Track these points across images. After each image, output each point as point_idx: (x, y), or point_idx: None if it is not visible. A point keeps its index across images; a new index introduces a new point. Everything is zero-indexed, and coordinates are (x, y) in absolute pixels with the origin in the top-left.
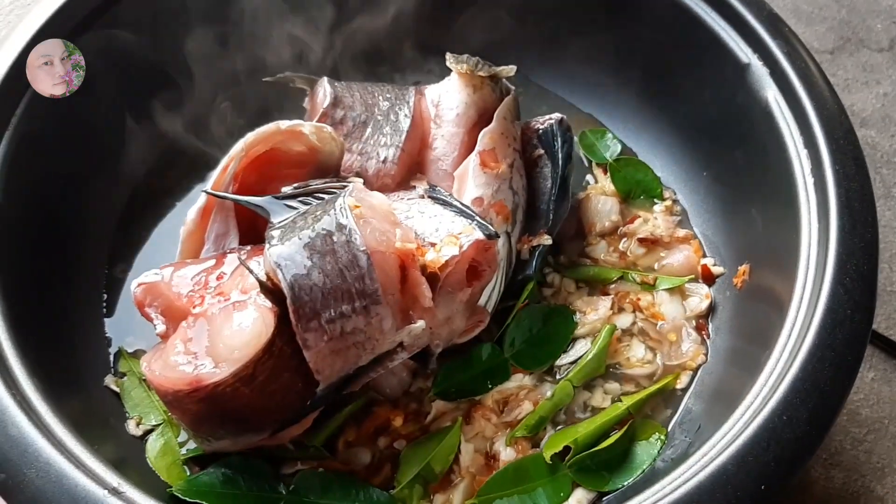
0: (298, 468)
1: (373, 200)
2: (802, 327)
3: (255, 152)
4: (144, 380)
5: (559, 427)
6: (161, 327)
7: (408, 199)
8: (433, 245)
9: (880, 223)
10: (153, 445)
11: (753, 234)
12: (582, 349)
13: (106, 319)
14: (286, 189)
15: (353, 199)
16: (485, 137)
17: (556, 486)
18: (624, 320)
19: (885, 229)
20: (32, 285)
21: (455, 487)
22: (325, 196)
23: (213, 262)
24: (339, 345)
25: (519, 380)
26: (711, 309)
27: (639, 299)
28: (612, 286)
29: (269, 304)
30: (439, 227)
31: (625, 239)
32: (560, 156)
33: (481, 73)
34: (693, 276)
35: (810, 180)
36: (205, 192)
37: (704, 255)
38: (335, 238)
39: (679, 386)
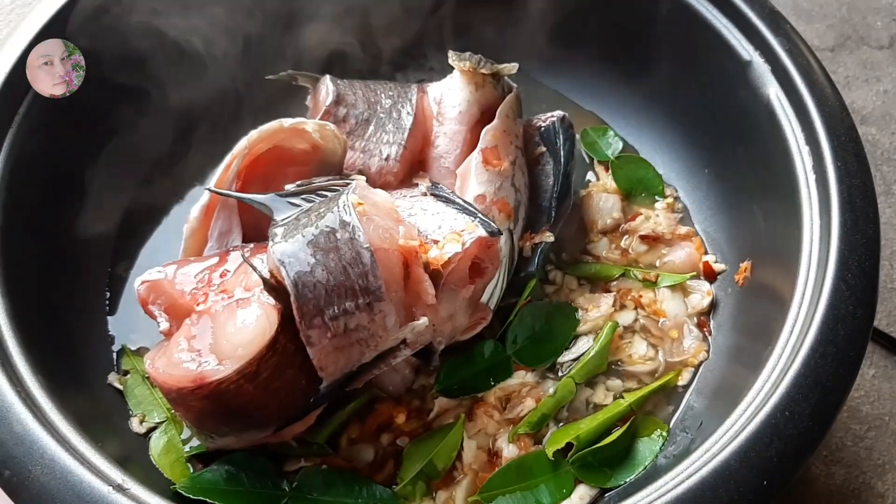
0: (301, 465)
1: (376, 198)
2: (804, 324)
3: (259, 150)
4: (148, 377)
5: (561, 424)
6: (164, 325)
7: (410, 197)
8: (436, 242)
9: (881, 220)
10: (157, 443)
11: (755, 231)
12: (584, 346)
13: (109, 317)
14: (289, 187)
15: (357, 197)
16: (487, 135)
17: (558, 483)
18: (626, 317)
19: (886, 226)
20: (36, 283)
21: (458, 484)
22: (328, 194)
23: (216, 259)
24: (343, 342)
25: (521, 377)
26: (713, 306)
27: (640, 296)
28: (614, 283)
29: (272, 301)
30: (442, 224)
31: (626, 236)
32: (562, 153)
33: (483, 71)
34: (695, 273)
35: (812, 177)
36: (208, 189)
37: (706, 252)
38: (338, 235)
39: (681, 383)
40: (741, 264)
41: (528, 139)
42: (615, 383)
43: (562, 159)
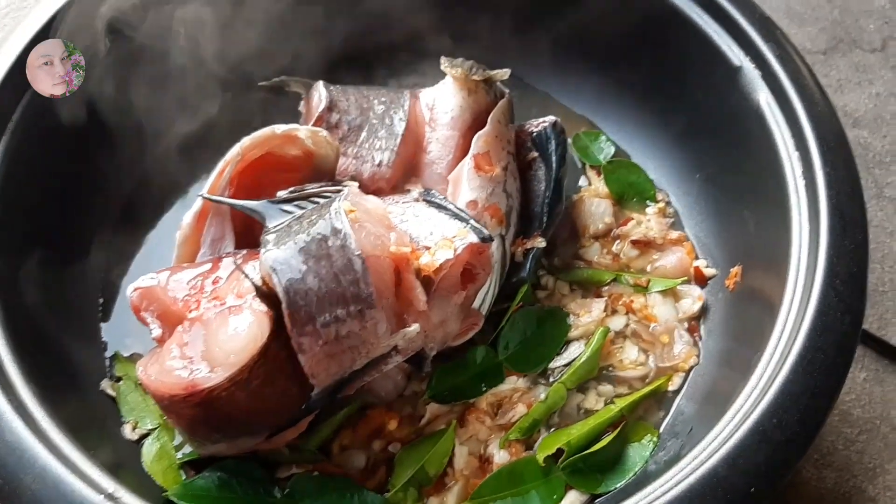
0: (293, 472)
1: (368, 204)
2: (793, 330)
3: (251, 156)
4: (140, 384)
5: (553, 429)
6: (157, 331)
7: (402, 203)
8: (428, 248)
9: (872, 223)
10: (149, 450)
11: (745, 236)
12: (575, 351)
13: (102, 324)
14: (282, 193)
15: (349, 203)
16: (479, 141)
17: (549, 489)
18: (617, 322)
19: (877, 229)
20: (28, 289)
21: (449, 490)
22: (321, 200)
23: (209, 266)
24: (334, 349)
25: (513, 382)
26: (704, 311)
27: (632, 301)
28: (606, 288)
29: (264, 308)
30: (434, 230)
31: (618, 241)
32: (554, 158)
33: (476, 77)
34: (686, 278)
35: (801, 182)
36: (201, 196)
37: (697, 257)
38: (330, 242)
39: (671, 388)
40: (731, 269)
41: (520, 144)
42: (606, 388)
43: (553, 165)
